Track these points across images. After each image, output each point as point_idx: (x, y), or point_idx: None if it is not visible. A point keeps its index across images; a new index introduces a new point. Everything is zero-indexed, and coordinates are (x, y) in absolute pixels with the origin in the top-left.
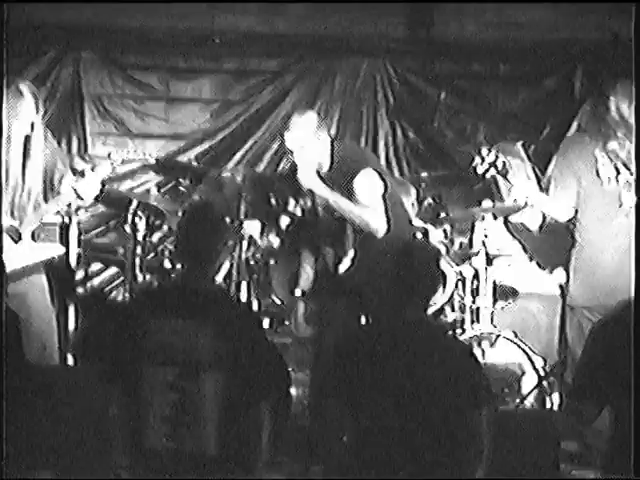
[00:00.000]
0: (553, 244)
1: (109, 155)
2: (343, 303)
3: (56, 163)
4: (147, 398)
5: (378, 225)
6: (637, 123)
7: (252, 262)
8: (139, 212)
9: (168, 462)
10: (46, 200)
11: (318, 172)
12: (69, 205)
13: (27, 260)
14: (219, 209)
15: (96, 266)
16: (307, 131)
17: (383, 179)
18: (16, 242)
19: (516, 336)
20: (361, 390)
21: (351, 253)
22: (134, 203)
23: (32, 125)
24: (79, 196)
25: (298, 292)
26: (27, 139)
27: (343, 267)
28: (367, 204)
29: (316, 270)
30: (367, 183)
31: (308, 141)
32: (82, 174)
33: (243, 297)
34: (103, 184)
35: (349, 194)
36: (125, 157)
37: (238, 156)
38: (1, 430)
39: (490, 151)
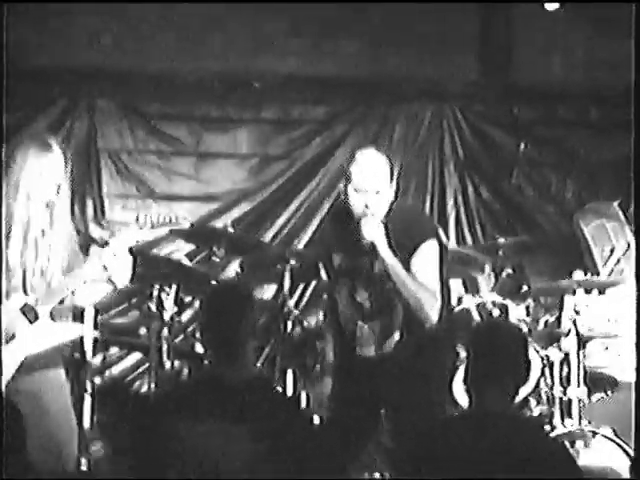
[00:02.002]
0: None
1: (137, 219)
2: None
3: (73, 235)
4: None
5: (432, 312)
6: (636, 132)
7: (298, 345)
8: (165, 287)
9: None
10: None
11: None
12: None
13: (46, 344)
14: (249, 286)
15: (116, 351)
16: (381, 172)
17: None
18: (32, 322)
19: (616, 434)
20: None
21: (397, 334)
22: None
23: (59, 188)
24: (112, 282)
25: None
26: (51, 203)
27: (390, 344)
28: (424, 283)
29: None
30: (429, 259)
31: (382, 185)
32: (104, 244)
33: (289, 389)
34: (134, 257)
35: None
36: (154, 221)
37: (281, 220)
38: None
39: None
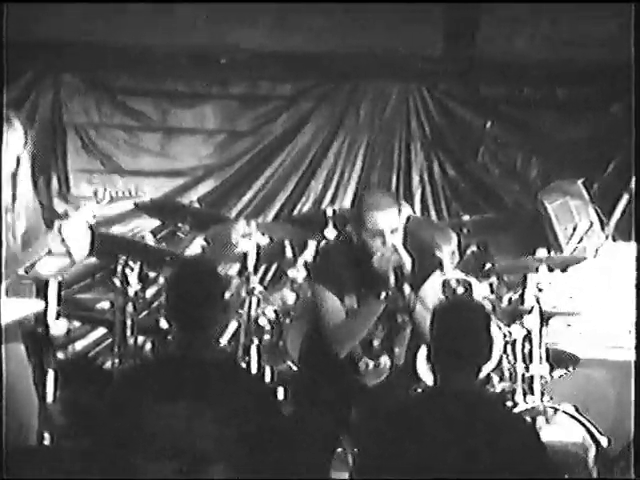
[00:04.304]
0: None
1: (95, 193)
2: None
3: (38, 209)
4: None
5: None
6: (637, 126)
7: (263, 322)
8: (130, 262)
9: None
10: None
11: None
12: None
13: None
14: (213, 261)
15: (79, 327)
16: (393, 213)
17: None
18: None
19: (577, 411)
20: (408, 470)
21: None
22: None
23: (18, 160)
24: (70, 254)
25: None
26: (13, 177)
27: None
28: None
29: None
30: (434, 291)
31: (395, 224)
32: (65, 215)
33: (253, 363)
34: (92, 232)
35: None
36: (114, 195)
37: (247, 197)
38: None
39: None
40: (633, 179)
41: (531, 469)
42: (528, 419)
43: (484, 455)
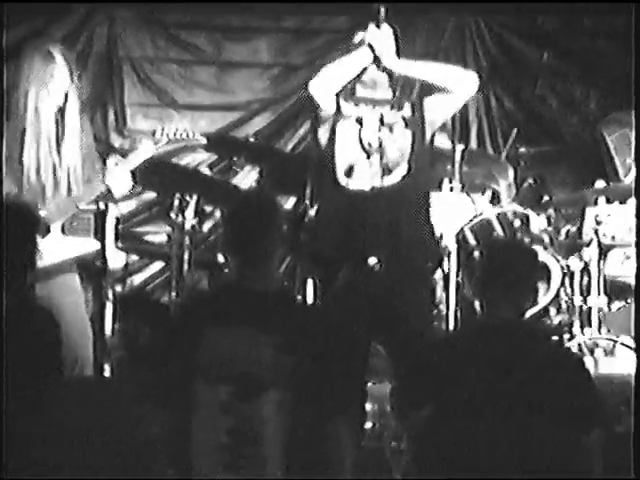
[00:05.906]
0: None
1: (153, 133)
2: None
3: (91, 144)
4: (199, 422)
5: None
6: (637, 122)
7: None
8: (187, 196)
9: None
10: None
11: None
12: (107, 192)
13: (56, 257)
14: (272, 193)
15: (137, 260)
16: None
17: None
18: (43, 236)
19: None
20: (448, 405)
21: None
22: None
23: (66, 96)
24: (110, 192)
25: None
26: (61, 112)
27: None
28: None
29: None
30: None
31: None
32: (120, 152)
33: (309, 298)
34: (134, 175)
35: None
36: (171, 137)
37: (302, 131)
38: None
39: None
40: None
41: (579, 402)
42: (585, 351)
43: (529, 391)
